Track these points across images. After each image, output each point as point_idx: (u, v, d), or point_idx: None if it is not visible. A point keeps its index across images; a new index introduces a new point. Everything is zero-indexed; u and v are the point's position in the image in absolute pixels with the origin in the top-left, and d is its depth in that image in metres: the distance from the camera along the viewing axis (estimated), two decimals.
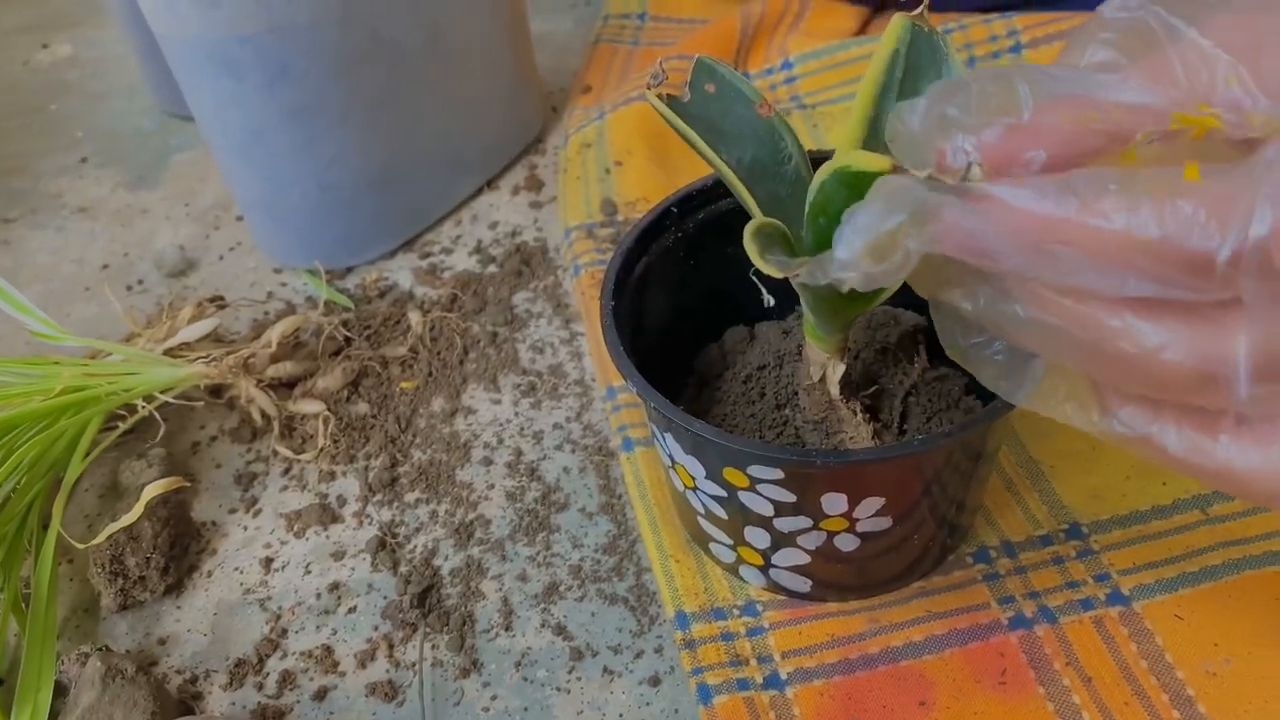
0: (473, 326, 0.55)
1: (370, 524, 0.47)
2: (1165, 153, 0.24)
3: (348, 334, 0.54)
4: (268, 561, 0.46)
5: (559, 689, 0.40)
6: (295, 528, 0.47)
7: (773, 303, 0.37)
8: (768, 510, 0.37)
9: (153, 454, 0.48)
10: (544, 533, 0.45)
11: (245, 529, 0.47)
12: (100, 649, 0.41)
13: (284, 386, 0.52)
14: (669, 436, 0.37)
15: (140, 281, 0.61)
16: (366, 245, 0.59)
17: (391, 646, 0.42)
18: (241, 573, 0.45)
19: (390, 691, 0.40)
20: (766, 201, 0.33)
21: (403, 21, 0.54)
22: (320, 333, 0.53)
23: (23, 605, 0.42)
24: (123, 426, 0.48)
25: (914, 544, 0.39)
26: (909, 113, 0.26)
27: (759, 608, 0.41)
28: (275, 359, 0.51)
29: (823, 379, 0.37)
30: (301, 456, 0.49)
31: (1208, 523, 0.41)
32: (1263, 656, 0.37)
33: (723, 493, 0.37)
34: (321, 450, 0.49)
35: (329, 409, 0.50)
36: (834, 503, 0.36)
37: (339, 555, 0.46)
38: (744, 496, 0.36)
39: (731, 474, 0.36)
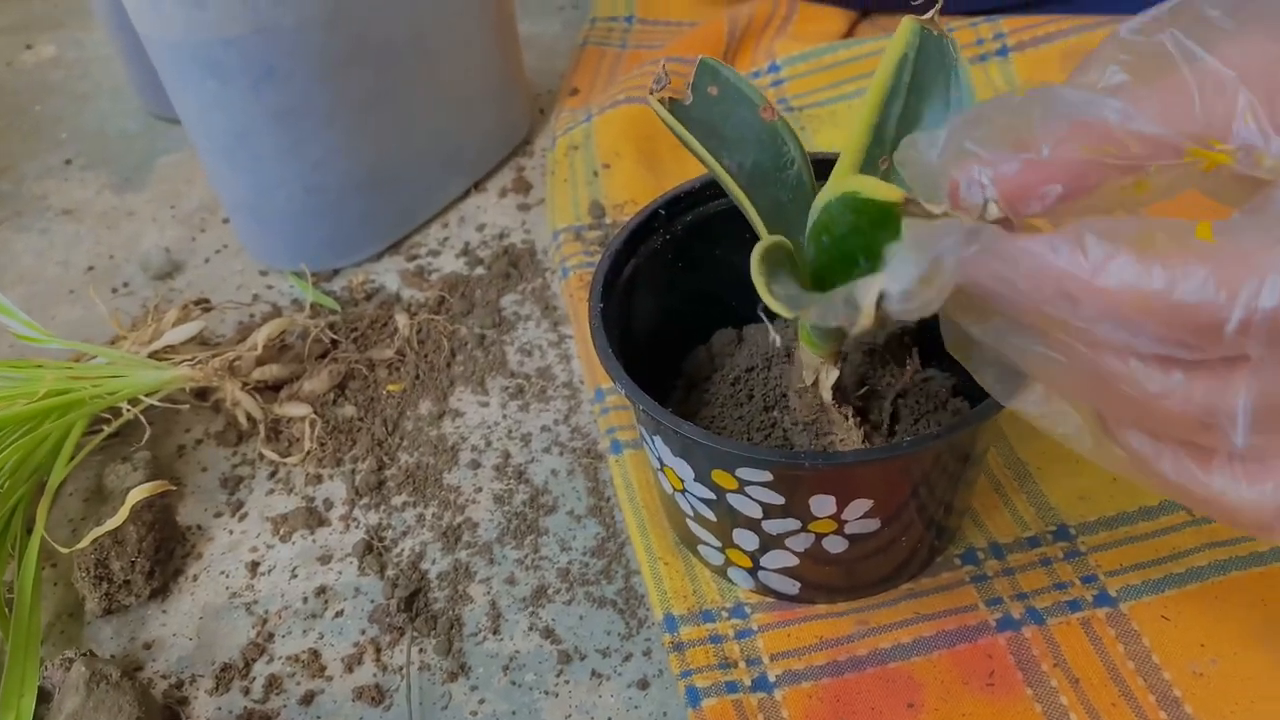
0: (460, 329, 0.55)
1: (357, 527, 0.46)
2: (1174, 182, 0.24)
3: (334, 336, 0.53)
4: (254, 565, 0.45)
5: (547, 692, 0.40)
6: (281, 531, 0.46)
7: (779, 342, 0.37)
8: (756, 512, 0.36)
9: (138, 457, 0.48)
10: (532, 535, 0.45)
11: (231, 533, 0.47)
12: (84, 654, 0.40)
13: (270, 389, 0.51)
14: (658, 439, 0.37)
15: (125, 284, 0.60)
16: (353, 247, 0.59)
17: (379, 650, 0.42)
18: (227, 576, 0.45)
19: (378, 695, 0.40)
20: (767, 209, 0.33)
21: (389, 23, 0.54)
22: (306, 335, 0.53)
23: (6, 610, 0.42)
24: (107, 430, 0.48)
25: (902, 546, 0.39)
26: (927, 145, 0.26)
27: (747, 610, 0.41)
28: (261, 362, 0.51)
29: (815, 383, 0.37)
30: (288, 460, 0.49)
31: (1193, 524, 0.41)
32: (1248, 657, 0.37)
33: (711, 495, 0.37)
34: (308, 453, 0.49)
35: (315, 412, 0.50)
36: (822, 505, 0.36)
37: (326, 559, 0.45)
38: (732, 499, 0.36)
39: (720, 476, 0.36)
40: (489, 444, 0.49)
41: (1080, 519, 0.42)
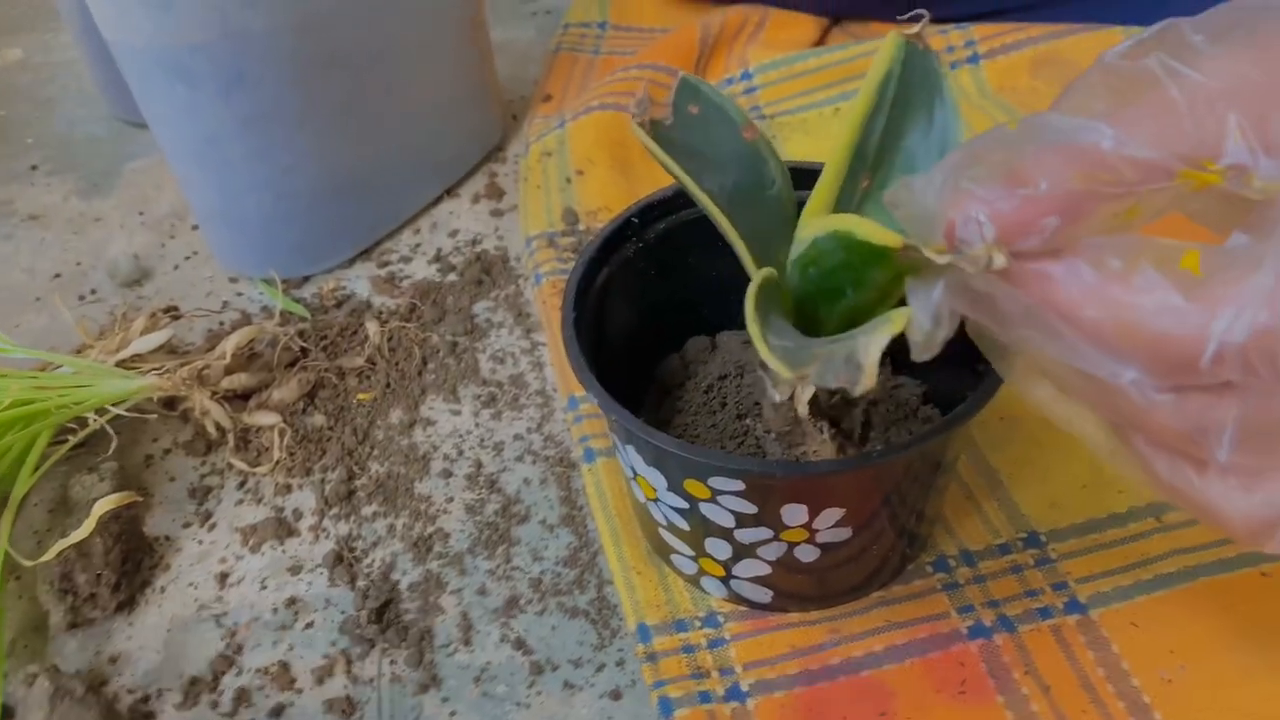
0: (432, 336, 0.54)
1: (327, 538, 0.46)
2: (1163, 205, 0.25)
3: (304, 344, 0.53)
4: (223, 577, 0.45)
5: (519, 704, 0.40)
6: (251, 542, 0.46)
7: (778, 399, 0.37)
8: (729, 522, 0.36)
9: (104, 468, 0.47)
10: (504, 546, 0.45)
11: (200, 543, 0.46)
12: (49, 669, 0.40)
13: (239, 398, 0.51)
14: (630, 448, 0.37)
15: (93, 291, 0.60)
16: (324, 254, 0.59)
17: (349, 662, 0.41)
18: (196, 588, 0.45)
19: (348, 708, 0.40)
20: (749, 230, 0.33)
21: (360, 29, 0.53)
22: (276, 343, 0.52)
23: None
24: (73, 440, 0.48)
25: (874, 554, 0.39)
26: (922, 187, 0.26)
27: (720, 619, 0.40)
28: (230, 370, 0.50)
29: (791, 397, 0.37)
30: (257, 469, 0.48)
31: (1162, 530, 0.41)
32: (1217, 663, 0.37)
33: (684, 504, 0.37)
34: (277, 463, 0.48)
35: (285, 421, 0.50)
36: (794, 514, 0.36)
37: (295, 570, 0.45)
38: (705, 508, 0.36)
39: (693, 486, 0.36)
40: (461, 453, 0.49)
41: (1051, 526, 0.42)
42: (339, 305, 0.57)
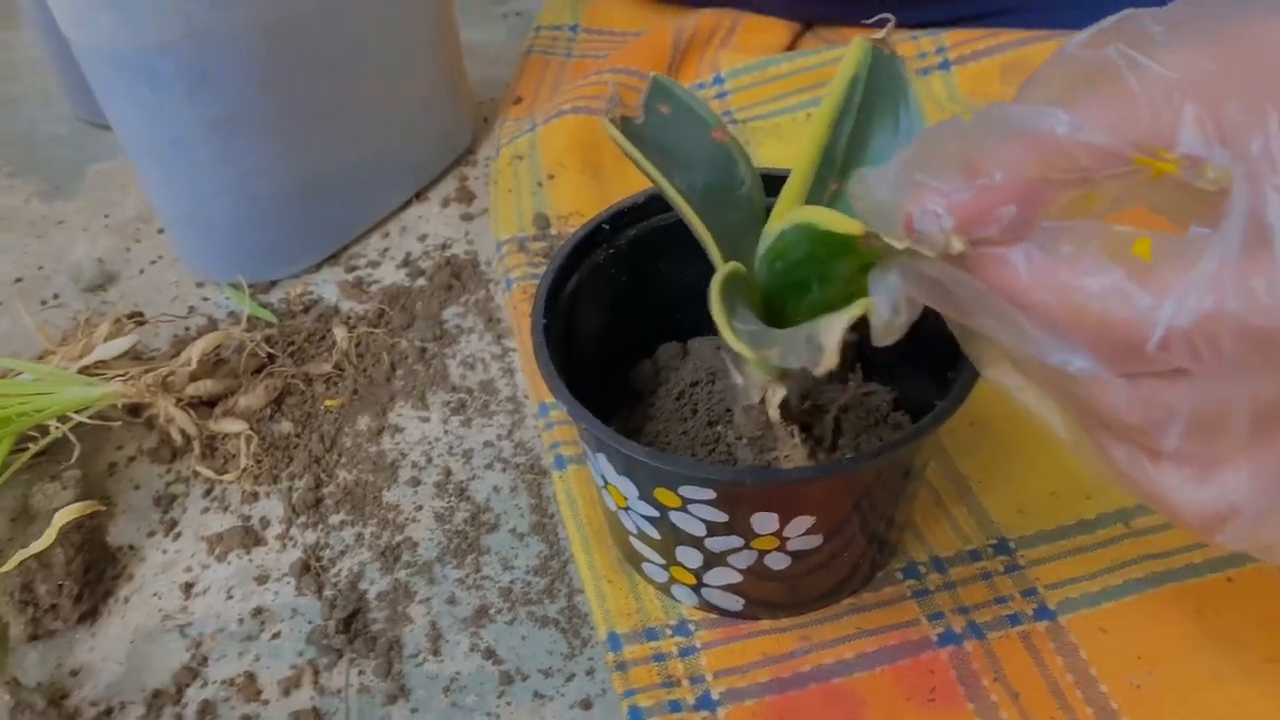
0: (400, 342, 0.54)
1: (294, 546, 0.45)
2: (1122, 194, 0.25)
3: (271, 350, 0.52)
4: (188, 586, 0.44)
5: (489, 714, 0.39)
6: (217, 551, 0.45)
7: (741, 382, 0.37)
8: (699, 530, 0.36)
9: (67, 476, 0.47)
10: (473, 554, 0.44)
11: (164, 553, 0.46)
12: (8, 682, 0.39)
13: (205, 405, 0.50)
14: (601, 457, 0.37)
15: (55, 296, 0.59)
16: (291, 258, 0.58)
17: (317, 673, 0.41)
18: (160, 598, 0.44)
19: (316, 719, 0.39)
20: (718, 230, 0.33)
21: (327, 30, 0.53)
22: (242, 349, 0.52)
23: None
24: (34, 448, 0.47)
25: (844, 561, 0.39)
26: (876, 180, 0.26)
27: (691, 627, 0.40)
28: (196, 377, 0.50)
29: (762, 401, 0.37)
30: (223, 477, 0.48)
31: (1130, 536, 0.41)
32: (1184, 667, 0.38)
33: (655, 513, 0.37)
34: (244, 471, 0.48)
35: (251, 428, 0.49)
36: (765, 522, 0.35)
37: (262, 579, 0.44)
38: (676, 517, 0.36)
39: (663, 494, 0.36)
40: (430, 460, 0.48)
41: (1020, 532, 0.42)
42: (306, 310, 0.56)
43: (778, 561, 0.37)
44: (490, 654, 0.41)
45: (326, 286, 0.58)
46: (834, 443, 0.41)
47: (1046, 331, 0.24)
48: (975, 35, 0.62)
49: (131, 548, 0.46)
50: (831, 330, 0.27)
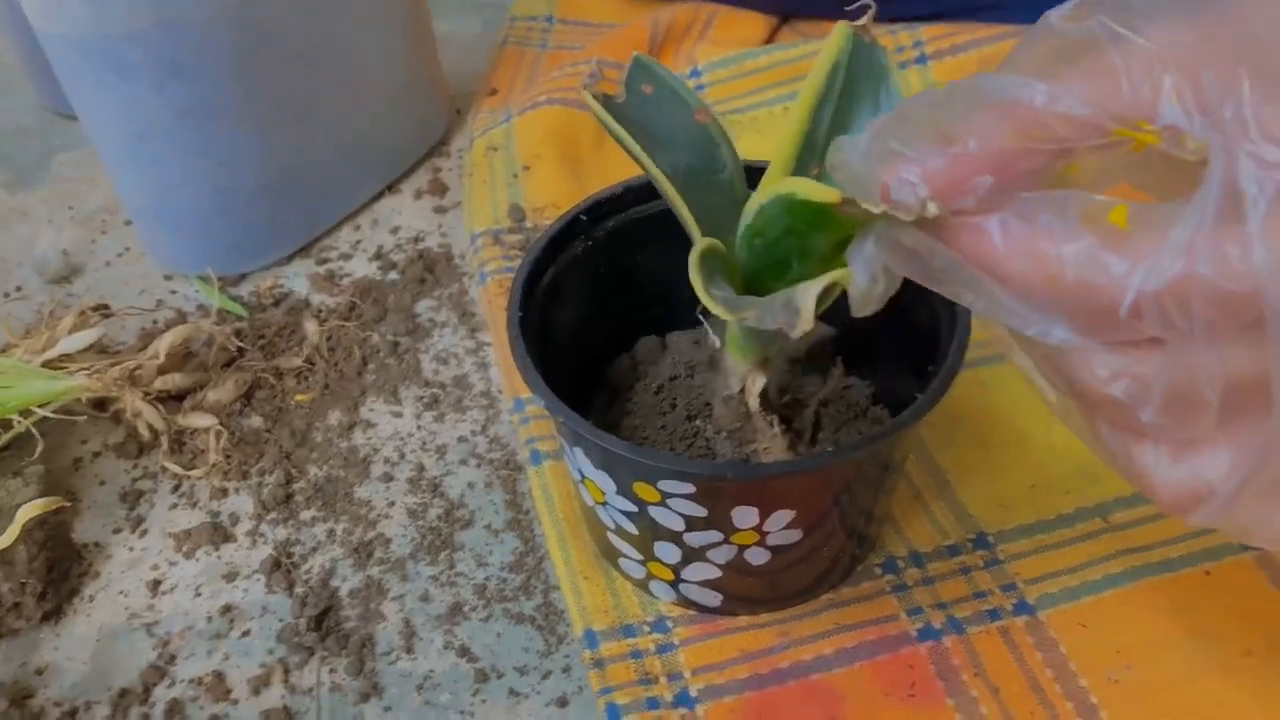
0: (372, 336, 0.53)
1: (264, 543, 0.45)
2: (1105, 164, 0.25)
3: (240, 344, 0.51)
4: (155, 584, 0.43)
5: (463, 712, 0.39)
6: (185, 548, 0.44)
7: (719, 343, 0.37)
8: (678, 525, 0.36)
9: (30, 472, 0.46)
10: (447, 551, 0.44)
11: (131, 550, 0.45)
12: None
13: (173, 399, 0.49)
14: (578, 451, 0.36)
15: (19, 288, 0.57)
16: (261, 251, 0.57)
17: (287, 671, 0.40)
18: (126, 596, 0.43)
19: (286, 718, 0.39)
20: (699, 212, 0.32)
21: (299, 19, 0.52)
22: (211, 343, 0.51)
23: None
24: None
25: (823, 556, 0.39)
26: (850, 148, 0.26)
27: (669, 624, 0.40)
28: (163, 370, 0.49)
29: (742, 390, 0.37)
30: (191, 473, 0.47)
31: (1109, 531, 0.41)
32: (1162, 661, 0.38)
33: (633, 508, 0.36)
34: (213, 466, 0.47)
35: (220, 423, 0.48)
36: (745, 516, 0.35)
37: (231, 576, 0.43)
38: (654, 511, 0.36)
39: (642, 489, 0.35)
40: (402, 456, 0.48)
41: (999, 526, 0.42)
42: (277, 304, 0.55)
43: (757, 556, 0.37)
44: (465, 652, 0.40)
45: (297, 279, 0.57)
46: (814, 436, 0.41)
47: (1023, 302, 0.24)
48: (952, 30, 0.62)
49: (97, 545, 0.45)
50: (808, 293, 0.27)
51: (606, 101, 0.32)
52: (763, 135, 0.60)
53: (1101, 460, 0.28)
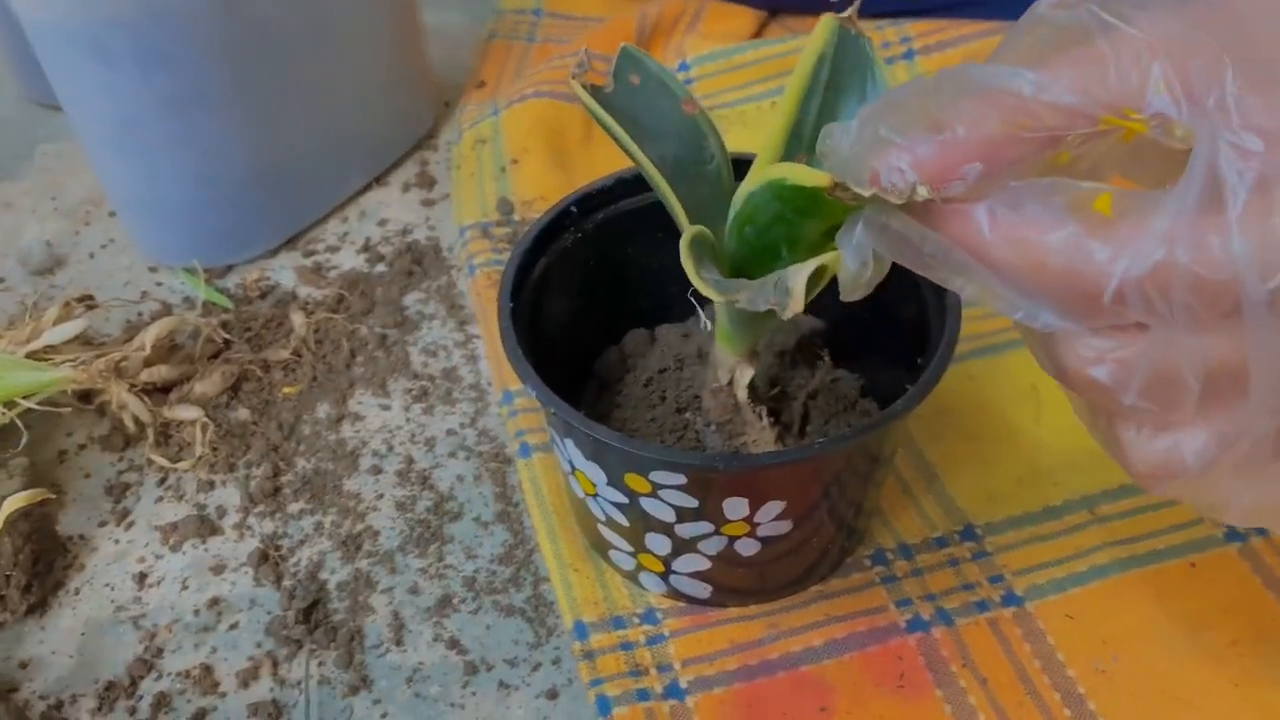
0: (360, 328, 0.53)
1: (252, 536, 0.44)
2: (1095, 152, 0.25)
3: (227, 336, 0.51)
4: (141, 577, 0.43)
5: (453, 704, 0.39)
6: (171, 541, 0.44)
7: (710, 327, 0.37)
8: (669, 516, 0.36)
9: (14, 464, 0.45)
10: (436, 544, 0.44)
11: (117, 543, 0.44)
12: None
13: (159, 391, 0.49)
14: (569, 442, 0.36)
15: (2, 280, 0.57)
16: (247, 242, 0.57)
17: (276, 664, 0.40)
18: (112, 589, 0.43)
19: (275, 712, 0.39)
20: (687, 203, 0.32)
21: (287, 9, 0.52)
22: (198, 335, 0.50)
23: None
24: None
25: (813, 547, 0.39)
26: (840, 135, 0.26)
27: (659, 615, 0.40)
28: (149, 362, 0.48)
29: (730, 382, 0.37)
30: (178, 465, 0.46)
31: (1095, 523, 0.42)
32: (1148, 652, 0.38)
33: (624, 499, 0.36)
34: (199, 459, 0.47)
35: (207, 415, 0.48)
36: (735, 507, 0.35)
37: (219, 569, 0.43)
38: (645, 503, 0.36)
39: (633, 480, 0.35)
40: (391, 449, 0.47)
41: (987, 519, 0.42)
42: (263, 296, 0.55)
43: (747, 547, 0.37)
44: (454, 644, 0.40)
45: (284, 272, 0.56)
46: (802, 429, 0.41)
47: (1010, 287, 0.25)
48: (939, 26, 0.63)
49: (82, 537, 0.45)
50: (799, 274, 0.27)
51: (595, 92, 0.32)
52: (750, 130, 0.60)
53: (1090, 432, 0.28)
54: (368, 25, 0.57)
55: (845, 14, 0.33)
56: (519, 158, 0.58)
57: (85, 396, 0.49)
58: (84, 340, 0.50)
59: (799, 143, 0.34)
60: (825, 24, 0.33)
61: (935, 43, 0.62)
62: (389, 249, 0.57)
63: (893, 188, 0.25)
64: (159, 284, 0.56)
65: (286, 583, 0.42)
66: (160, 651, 0.41)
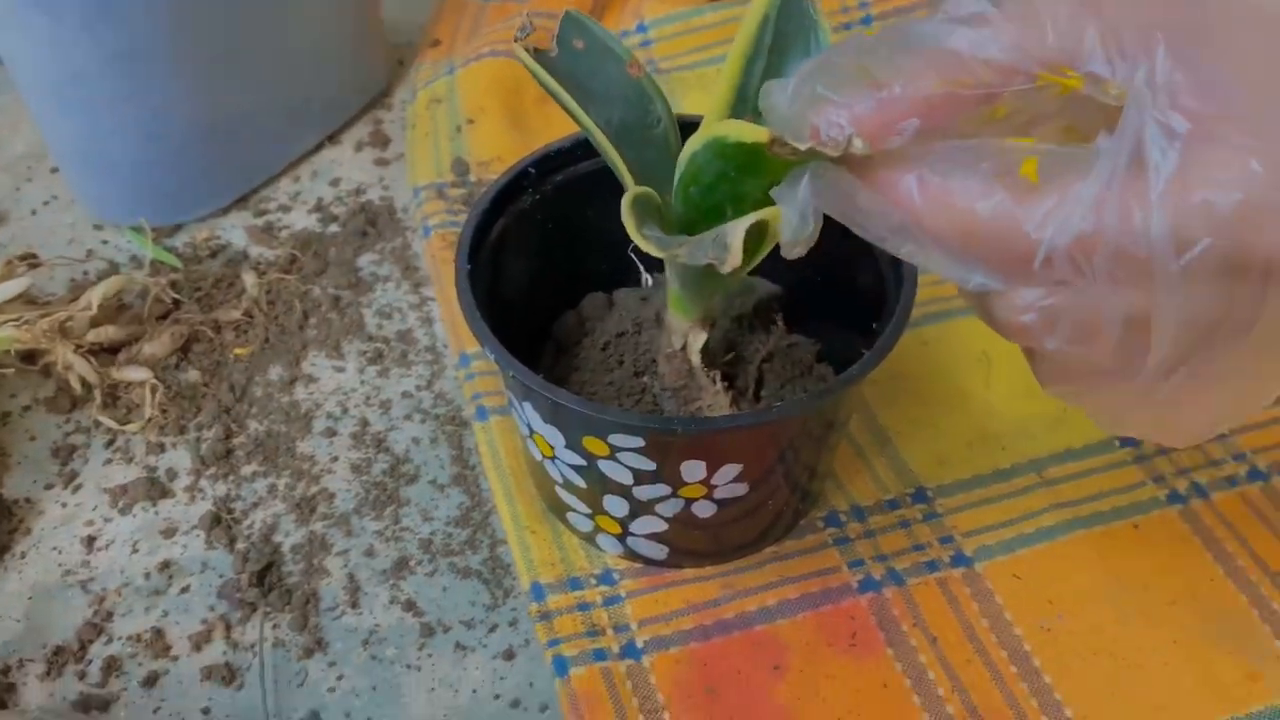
0: (313, 289, 0.52)
1: (203, 499, 0.44)
2: (1032, 107, 0.26)
3: (176, 296, 0.50)
4: (90, 540, 0.42)
5: (409, 666, 0.39)
6: (120, 503, 0.44)
7: (651, 283, 0.37)
8: (627, 479, 0.36)
9: None
10: (392, 506, 0.43)
11: (64, 505, 0.44)
12: None
13: (106, 352, 0.48)
14: (528, 405, 0.36)
15: None
16: (197, 201, 0.56)
17: (229, 627, 0.40)
18: (60, 553, 0.42)
19: (228, 675, 0.38)
20: (635, 167, 0.32)
21: None
22: (146, 295, 0.49)
23: None
24: None
25: (768, 509, 0.39)
26: (778, 92, 0.27)
27: (616, 576, 0.40)
28: (96, 322, 0.47)
29: (684, 347, 0.37)
30: (127, 427, 0.46)
31: (1043, 485, 0.43)
32: (1091, 611, 0.39)
33: (582, 462, 0.36)
34: (149, 421, 0.46)
35: (156, 376, 0.47)
36: (693, 470, 0.35)
37: (170, 532, 0.43)
38: (604, 465, 0.36)
39: (591, 443, 0.35)
40: (345, 411, 0.47)
41: (938, 481, 0.43)
42: (213, 255, 0.54)
43: (704, 510, 0.37)
44: (410, 606, 0.40)
45: (234, 231, 0.55)
46: (757, 393, 0.41)
47: (942, 252, 0.25)
48: None
49: (28, 500, 0.44)
50: (736, 229, 0.28)
51: (539, 56, 0.32)
52: (709, 94, 0.59)
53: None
54: None
55: None
56: (475, 117, 0.58)
57: (29, 357, 0.48)
58: (27, 300, 0.49)
59: (744, 105, 0.34)
60: None
61: (893, 8, 0.62)
62: (342, 209, 0.56)
63: (831, 141, 0.25)
64: (104, 242, 0.55)
65: (240, 545, 0.42)
66: (110, 615, 0.40)
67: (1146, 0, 0.24)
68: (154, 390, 0.46)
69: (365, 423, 0.47)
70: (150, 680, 0.38)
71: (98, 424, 0.46)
